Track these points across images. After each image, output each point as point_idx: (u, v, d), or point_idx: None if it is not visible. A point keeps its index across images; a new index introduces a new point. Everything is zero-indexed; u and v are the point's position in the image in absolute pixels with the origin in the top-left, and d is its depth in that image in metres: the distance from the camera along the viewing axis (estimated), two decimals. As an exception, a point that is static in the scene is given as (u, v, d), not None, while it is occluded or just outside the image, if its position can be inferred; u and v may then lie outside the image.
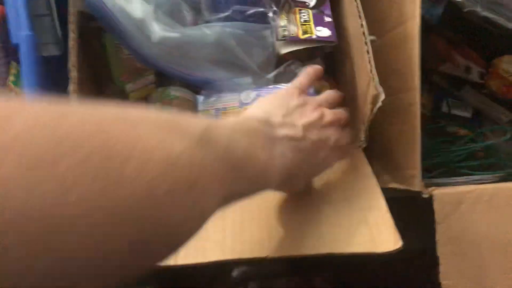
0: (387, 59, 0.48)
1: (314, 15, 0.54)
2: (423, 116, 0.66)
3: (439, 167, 0.57)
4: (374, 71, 0.39)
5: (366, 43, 0.39)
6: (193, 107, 0.51)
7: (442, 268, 0.42)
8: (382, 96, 0.38)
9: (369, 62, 0.39)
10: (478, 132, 0.58)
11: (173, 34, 0.41)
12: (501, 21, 0.47)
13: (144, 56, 0.46)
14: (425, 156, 0.60)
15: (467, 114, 0.64)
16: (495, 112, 0.59)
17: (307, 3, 0.56)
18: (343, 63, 0.54)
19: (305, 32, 0.52)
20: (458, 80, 0.59)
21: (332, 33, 0.51)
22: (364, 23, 0.40)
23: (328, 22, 0.52)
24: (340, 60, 0.57)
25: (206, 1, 0.49)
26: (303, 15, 0.54)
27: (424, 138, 0.57)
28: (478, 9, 0.48)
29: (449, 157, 0.58)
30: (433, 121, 0.65)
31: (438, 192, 0.44)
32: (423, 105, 0.67)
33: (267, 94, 0.46)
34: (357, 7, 0.41)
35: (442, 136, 0.63)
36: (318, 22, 0.53)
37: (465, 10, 0.48)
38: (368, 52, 0.39)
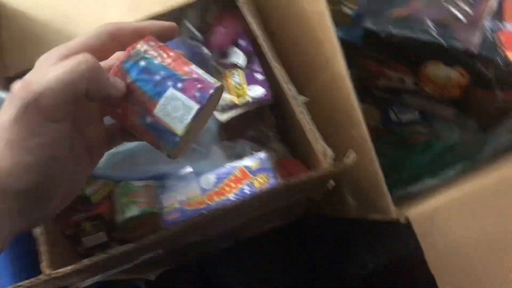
0: (325, 101, 0.49)
1: (246, 74, 0.55)
2: (376, 129, 0.68)
3: (406, 177, 0.59)
4: (314, 129, 0.39)
5: (299, 105, 0.40)
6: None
7: (439, 284, 0.42)
8: (329, 153, 0.38)
9: (308, 122, 0.40)
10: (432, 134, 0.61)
11: (116, 150, 0.41)
12: (416, 35, 0.50)
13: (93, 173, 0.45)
14: (391, 168, 0.62)
15: (415, 117, 0.66)
16: (439, 110, 0.62)
17: (236, 63, 0.57)
18: (288, 111, 0.56)
19: (239, 96, 0.53)
20: (396, 90, 0.62)
21: (266, 91, 0.52)
22: (291, 87, 0.41)
23: (261, 80, 0.54)
24: (284, 109, 0.58)
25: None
26: (235, 78, 0.55)
27: (385, 151, 0.59)
28: (391, 29, 0.50)
29: (412, 165, 0.60)
30: (387, 132, 0.67)
31: (413, 214, 0.45)
32: (372, 118, 0.69)
33: (227, 176, 0.47)
34: (281, 73, 0.42)
35: (401, 144, 0.65)
36: (251, 81, 0.54)
37: (382, 35, 0.51)
38: (302, 113, 0.40)
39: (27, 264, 0.48)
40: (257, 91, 0.51)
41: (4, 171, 0.24)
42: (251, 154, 0.52)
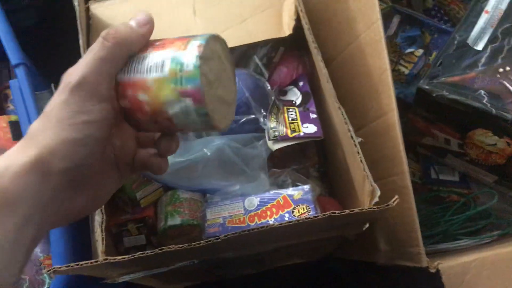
0: (373, 146, 0.52)
1: (300, 112, 0.59)
2: (415, 184, 0.70)
3: (438, 233, 0.60)
4: (367, 169, 0.43)
5: (355, 145, 0.43)
6: (202, 206, 0.54)
7: None
8: (378, 192, 0.41)
9: (361, 161, 0.43)
10: (469, 196, 0.62)
11: (179, 159, 0.46)
12: (467, 101, 0.52)
13: (152, 176, 0.50)
14: (424, 223, 0.63)
15: (455, 178, 0.68)
16: (480, 175, 0.63)
17: (294, 102, 0.61)
18: (334, 152, 0.59)
19: (293, 131, 0.56)
20: (440, 149, 0.64)
21: (318, 129, 0.56)
22: (350, 128, 0.45)
23: (314, 118, 0.57)
24: (331, 149, 0.61)
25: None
26: (291, 114, 0.59)
27: (420, 206, 0.61)
28: (445, 93, 0.53)
29: (446, 224, 0.62)
30: (424, 189, 0.69)
31: (444, 266, 0.46)
32: (413, 174, 0.71)
33: (270, 201, 0.50)
34: (342, 114, 0.46)
35: (436, 201, 0.67)
36: (305, 119, 0.58)
37: (434, 95, 0.54)
38: (358, 153, 0.43)
39: (76, 248, 0.52)
40: (310, 129, 0.55)
41: (50, 149, 0.27)
42: (294, 185, 0.56)
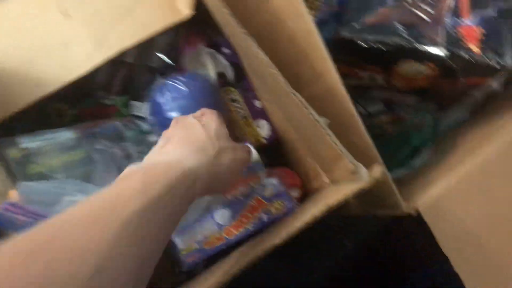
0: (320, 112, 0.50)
1: (244, 99, 0.54)
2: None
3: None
4: (342, 148, 0.40)
5: (323, 128, 0.40)
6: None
7: (455, 266, 0.46)
8: (363, 169, 0.40)
9: (334, 142, 0.40)
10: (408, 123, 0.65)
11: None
12: (389, 39, 0.52)
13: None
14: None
15: (380, 106, 0.70)
16: (404, 99, 0.66)
17: (225, 75, 0.55)
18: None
19: (257, 141, 0.52)
20: (365, 87, 0.65)
21: (270, 126, 0.52)
22: (313, 111, 0.41)
23: (261, 109, 0.53)
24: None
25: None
26: (237, 107, 0.54)
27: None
28: (368, 37, 0.52)
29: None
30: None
31: (421, 204, 0.47)
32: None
33: (242, 207, 0.46)
34: (299, 98, 0.42)
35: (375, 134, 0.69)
36: (252, 111, 0.53)
37: (357, 41, 0.53)
38: (329, 134, 0.40)
39: None
40: (265, 129, 0.51)
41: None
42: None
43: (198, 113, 0.43)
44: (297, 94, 0.42)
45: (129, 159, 0.50)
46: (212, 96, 0.50)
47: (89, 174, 0.45)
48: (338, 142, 0.40)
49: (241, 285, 0.39)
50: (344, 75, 0.62)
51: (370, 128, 0.69)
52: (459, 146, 0.58)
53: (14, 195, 0.42)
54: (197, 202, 0.47)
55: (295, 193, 0.56)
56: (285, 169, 0.58)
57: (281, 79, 0.43)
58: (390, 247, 0.76)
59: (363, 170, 0.39)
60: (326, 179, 0.52)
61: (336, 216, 0.69)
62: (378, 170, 0.39)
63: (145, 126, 0.54)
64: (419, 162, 0.63)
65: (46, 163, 0.45)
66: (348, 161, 0.39)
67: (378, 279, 0.80)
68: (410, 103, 0.68)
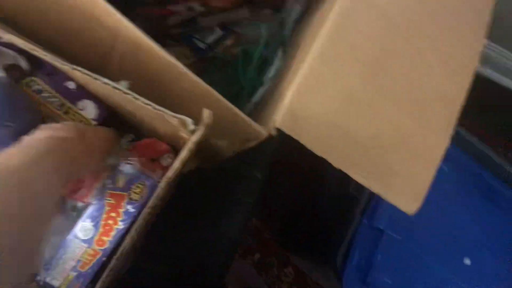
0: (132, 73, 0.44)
1: (51, 84, 0.46)
2: (195, 64, 0.66)
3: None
4: (157, 106, 0.35)
5: (128, 92, 0.34)
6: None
7: (336, 165, 0.45)
8: (188, 120, 0.35)
9: (147, 103, 0.35)
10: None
11: None
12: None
13: None
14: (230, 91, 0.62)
15: (218, 33, 0.65)
16: (233, 15, 0.62)
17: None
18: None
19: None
20: (189, 21, 0.59)
21: (96, 104, 0.45)
22: (107, 80, 0.35)
23: (76, 88, 0.45)
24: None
25: None
26: (45, 96, 0.45)
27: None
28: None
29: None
30: (205, 61, 0.65)
31: (277, 122, 0.45)
32: (185, 56, 0.66)
33: (100, 211, 0.40)
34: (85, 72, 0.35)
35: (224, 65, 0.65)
36: (66, 93, 0.45)
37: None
38: (137, 97, 0.35)
39: None
40: (91, 109, 0.43)
41: None
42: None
43: None
44: (79, 68, 0.35)
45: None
46: (6, 97, 0.41)
47: None
48: (149, 102, 0.34)
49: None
50: (159, 18, 0.55)
51: (216, 58, 0.65)
52: (300, 45, 0.56)
53: None
54: (53, 230, 0.40)
55: (169, 160, 0.51)
56: (144, 141, 0.52)
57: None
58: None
59: (188, 120, 0.34)
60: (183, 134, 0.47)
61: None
62: (208, 114, 0.34)
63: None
64: (272, 74, 0.61)
65: None
66: (171, 117, 0.34)
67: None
68: (246, 17, 0.64)
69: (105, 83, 0.34)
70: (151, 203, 0.38)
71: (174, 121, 0.34)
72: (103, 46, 0.43)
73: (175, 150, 0.47)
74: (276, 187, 1.00)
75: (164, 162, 0.50)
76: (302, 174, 1.11)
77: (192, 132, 0.36)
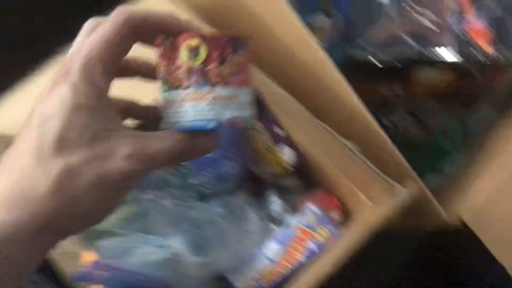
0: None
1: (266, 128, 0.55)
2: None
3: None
4: (377, 170, 0.41)
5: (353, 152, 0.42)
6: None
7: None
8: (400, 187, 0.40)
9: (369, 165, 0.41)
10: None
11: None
12: (398, 54, 0.54)
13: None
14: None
15: (404, 117, 0.71)
16: (430, 106, 0.67)
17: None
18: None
19: (283, 168, 0.54)
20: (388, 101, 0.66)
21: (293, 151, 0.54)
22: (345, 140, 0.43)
23: (283, 135, 0.54)
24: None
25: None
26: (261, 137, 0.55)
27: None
28: (378, 54, 0.54)
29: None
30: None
31: (465, 213, 0.47)
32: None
33: (288, 239, 0.47)
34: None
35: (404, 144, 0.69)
36: (273, 136, 0.54)
37: (373, 62, 0.54)
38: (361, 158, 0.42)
39: None
40: (289, 156, 0.52)
41: None
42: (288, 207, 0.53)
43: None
44: (320, 122, 0.43)
45: (180, 206, 0.51)
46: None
47: (147, 226, 0.47)
48: (371, 164, 0.41)
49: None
50: (363, 94, 0.63)
51: (398, 139, 0.70)
52: (489, 149, 0.58)
53: (89, 255, 0.45)
54: (248, 237, 0.48)
55: (336, 216, 0.56)
56: (321, 191, 0.59)
57: (302, 109, 0.45)
58: (441, 262, 0.74)
59: (400, 188, 0.39)
60: (363, 197, 0.53)
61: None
62: (414, 185, 0.39)
63: (183, 169, 0.55)
64: (450, 167, 0.63)
65: (108, 221, 0.47)
66: (385, 181, 0.40)
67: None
68: (436, 109, 0.68)
69: (337, 139, 0.42)
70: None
71: (387, 186, 0.40)
72: (325, 108, 0.52)
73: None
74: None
75: (333, 216, 0.55)
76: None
77: (394, 198, 0.41)
